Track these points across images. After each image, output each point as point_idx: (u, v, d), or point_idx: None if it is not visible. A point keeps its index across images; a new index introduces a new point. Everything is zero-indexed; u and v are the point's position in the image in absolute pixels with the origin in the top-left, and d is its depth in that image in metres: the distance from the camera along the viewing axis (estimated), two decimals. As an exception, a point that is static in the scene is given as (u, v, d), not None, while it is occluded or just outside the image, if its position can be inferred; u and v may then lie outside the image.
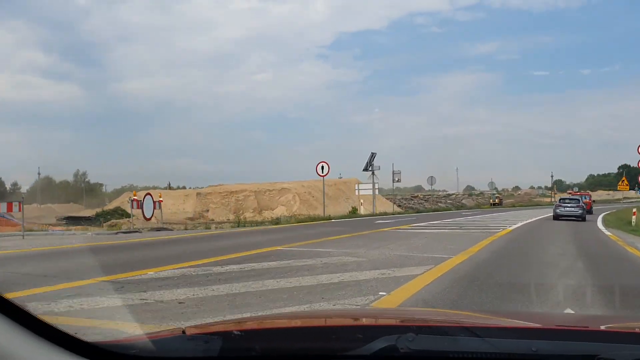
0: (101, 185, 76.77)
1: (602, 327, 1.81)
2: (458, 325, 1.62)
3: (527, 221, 23.22)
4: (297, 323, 1.92)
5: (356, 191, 33.77)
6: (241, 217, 28.02)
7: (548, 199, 73.09)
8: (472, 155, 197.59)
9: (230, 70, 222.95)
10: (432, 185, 50.55)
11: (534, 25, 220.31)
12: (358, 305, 5.27)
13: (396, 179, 37.53)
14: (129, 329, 4.11)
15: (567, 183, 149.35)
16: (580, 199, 27.44)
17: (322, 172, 29.04)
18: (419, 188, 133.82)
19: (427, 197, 75.94)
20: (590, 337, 1.52)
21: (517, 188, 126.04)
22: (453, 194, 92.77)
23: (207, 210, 35.15)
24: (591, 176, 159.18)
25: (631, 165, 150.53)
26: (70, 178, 75.03)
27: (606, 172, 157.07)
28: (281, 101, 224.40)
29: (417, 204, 58.55)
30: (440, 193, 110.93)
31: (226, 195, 33.57)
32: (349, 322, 1.95)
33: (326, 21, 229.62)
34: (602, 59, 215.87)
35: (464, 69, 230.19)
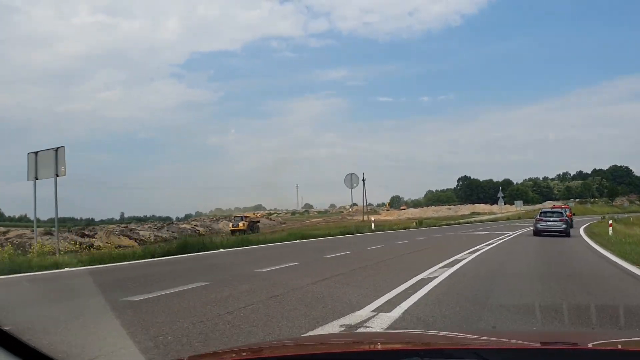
0: None
1: (603, 346, 1.76)
2: (462, 347, 1.64)
3: None
4: (306, 350, 1.92)
5: None
6: None
7: (360, 217, 64.77)
8: (320, 176, 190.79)
9: (73, 88, 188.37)
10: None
11: (379, 54, 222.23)
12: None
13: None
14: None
15: (405, 199, 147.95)
16: (563, 211, 26.15)
17: None
18: (258, 207, 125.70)
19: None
20: (593, 356, 1.53)
21: (354, 205, 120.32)
22: (274, 214, 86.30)
23: None
24: (430, 192, 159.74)
25: (472, 177, 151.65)
26: None
27: (444, 188, 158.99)
28: (131, 121, 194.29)
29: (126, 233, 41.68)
30: (270, 211, 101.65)
31: None
32: (354, 347, 1.93)
33: (179, 40, 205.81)
34: (439, 88, 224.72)
35: (317, 94, 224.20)
